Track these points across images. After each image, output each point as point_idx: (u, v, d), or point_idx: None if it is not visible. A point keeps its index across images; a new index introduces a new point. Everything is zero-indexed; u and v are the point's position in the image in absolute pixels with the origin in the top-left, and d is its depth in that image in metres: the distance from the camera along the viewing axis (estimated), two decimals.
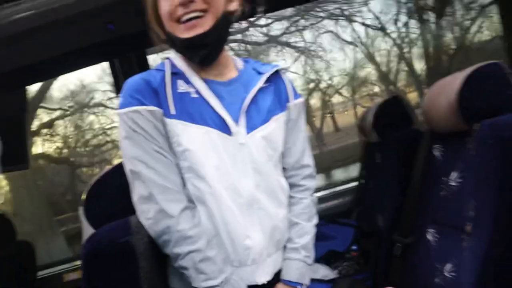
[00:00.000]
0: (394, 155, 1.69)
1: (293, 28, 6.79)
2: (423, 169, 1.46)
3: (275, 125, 1.14)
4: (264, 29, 6.72)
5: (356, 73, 6.89)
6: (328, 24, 6.61)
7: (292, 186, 1.22)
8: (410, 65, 6.37)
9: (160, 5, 1.05)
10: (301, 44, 6.89)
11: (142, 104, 1.02)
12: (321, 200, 2.17)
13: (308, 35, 6.83)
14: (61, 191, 7.96)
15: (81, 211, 1.19)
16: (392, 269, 1.57)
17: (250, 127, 1.10)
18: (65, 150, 7.95)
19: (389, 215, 1.64)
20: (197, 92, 1.08)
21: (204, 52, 1.05)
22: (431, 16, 6.19)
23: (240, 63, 1.20)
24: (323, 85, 7.45)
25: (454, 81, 1.27)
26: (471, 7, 5.89)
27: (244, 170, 1.08)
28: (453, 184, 1.30)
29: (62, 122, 7.72)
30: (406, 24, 6.31)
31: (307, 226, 1.21)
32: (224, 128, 1.07)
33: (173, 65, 1.11)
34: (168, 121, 1.04)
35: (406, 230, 1.51)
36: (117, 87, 2.19)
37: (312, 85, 7.39)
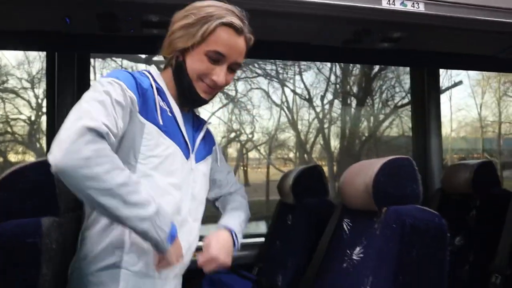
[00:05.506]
0: (306, 220, 1.79)
1: None
2: (330, 239, 1.57)
3: (208, 164, 1.33)
4: None
5: (276, 135, 7.16)
6: (262, 81, 6.85)
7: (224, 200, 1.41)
8: (326, 140, 6.81)
9: (197, 58, 1.14)
10: (232, 93, 7.04)
11: (128, 88, 1.06)
12: None
13: (241, 86, 7.00)
14: None
15: None
16: None
17: (198, 159, 1.24)
18: None
19: (289, 276, 1.71)
20: (171, 112, 1.17)
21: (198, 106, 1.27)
22: (353, 102, 6.75)
23: None
24: (243, 137, 7.59)
25: (371, 166, 1.42)
26: (387, 104, 6.55)
27: (186, 193, 1.18)
28: (355, 258, 1.41)
29: None
30: (330, 102, 6.79)
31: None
32: (185, 150, 1.18)
33: (154, 80, 1.17)
34: (149, 124, 1.09)
35: None
36: (50, 78, 2.07)
37: (233, 134, 7.51)
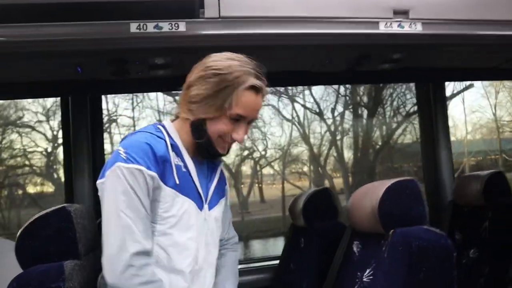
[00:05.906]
0: (317, 243, 1.83)
1: None
2: (341, 261, 1.60)
3: (221, 207, 1.32)
4: None
5: (289, 150, 7.21)
6: (272, 98, 6.93)
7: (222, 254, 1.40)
8: (339, 152, 6.82)
9: (219, 121, 1.15)
10: None
11: (148, 167, 1.10)
12: (241, 272, 2.22)
13: None
14: None
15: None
16: None
17: (210, 206, 1.25)
18: None
19: None
20: (185, 166, 1.19)
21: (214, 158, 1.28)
22: (364, 112, 6.78)
23: None
24: (256, 154, 7.63)
25: (376, 189, 1.45)
26: (399, 112, 6.56)
27: (201, 242, 1.21)
28: (366, 280, 1.44)
29: None
30: (341, 114, 6.81)
31: None
32: (199, 203, 1.20)
33: (168, 135, 1.20)
34: (166, 188, 1.13)
35: None
36: (65, 119, 2.16)
37: (246, 152, 7.56)
